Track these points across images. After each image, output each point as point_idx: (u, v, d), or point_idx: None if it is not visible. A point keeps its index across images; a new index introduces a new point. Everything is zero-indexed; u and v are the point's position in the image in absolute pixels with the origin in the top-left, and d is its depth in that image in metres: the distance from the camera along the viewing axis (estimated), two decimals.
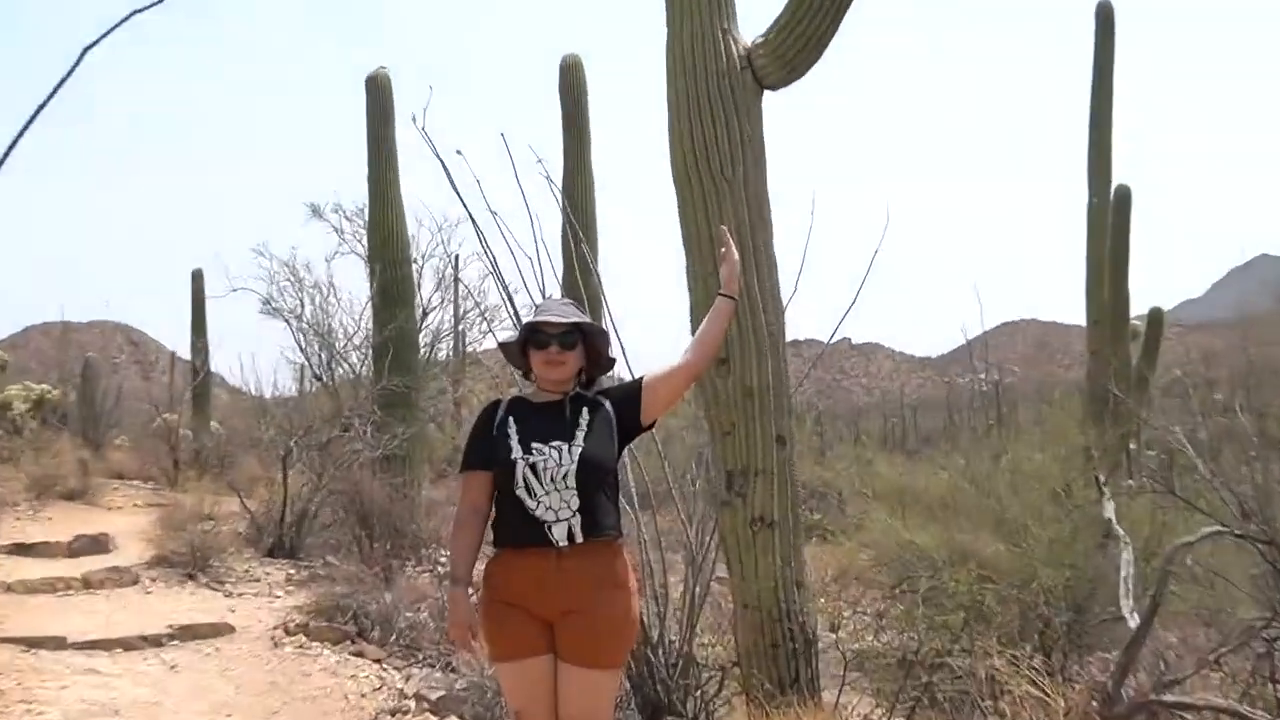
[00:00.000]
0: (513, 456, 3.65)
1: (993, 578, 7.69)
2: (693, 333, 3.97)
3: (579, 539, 3.59)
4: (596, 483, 3.64)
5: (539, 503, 3.60)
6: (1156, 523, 8.45)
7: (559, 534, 3.59)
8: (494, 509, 3.76)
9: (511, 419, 3.77)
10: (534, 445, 3.66)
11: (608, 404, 3.83)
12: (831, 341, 8.11)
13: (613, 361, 3.99)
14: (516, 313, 6.73)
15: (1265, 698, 5.45)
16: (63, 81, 3.24)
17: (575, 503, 3.59)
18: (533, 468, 3.62)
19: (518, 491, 3.62)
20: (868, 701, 7.01)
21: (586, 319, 3.86)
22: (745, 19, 6.51)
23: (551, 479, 3.60)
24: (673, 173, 6.45)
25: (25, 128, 3.23)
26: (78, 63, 3.26)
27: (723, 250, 3.94)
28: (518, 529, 3.65)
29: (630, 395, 3.85)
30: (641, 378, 3.92)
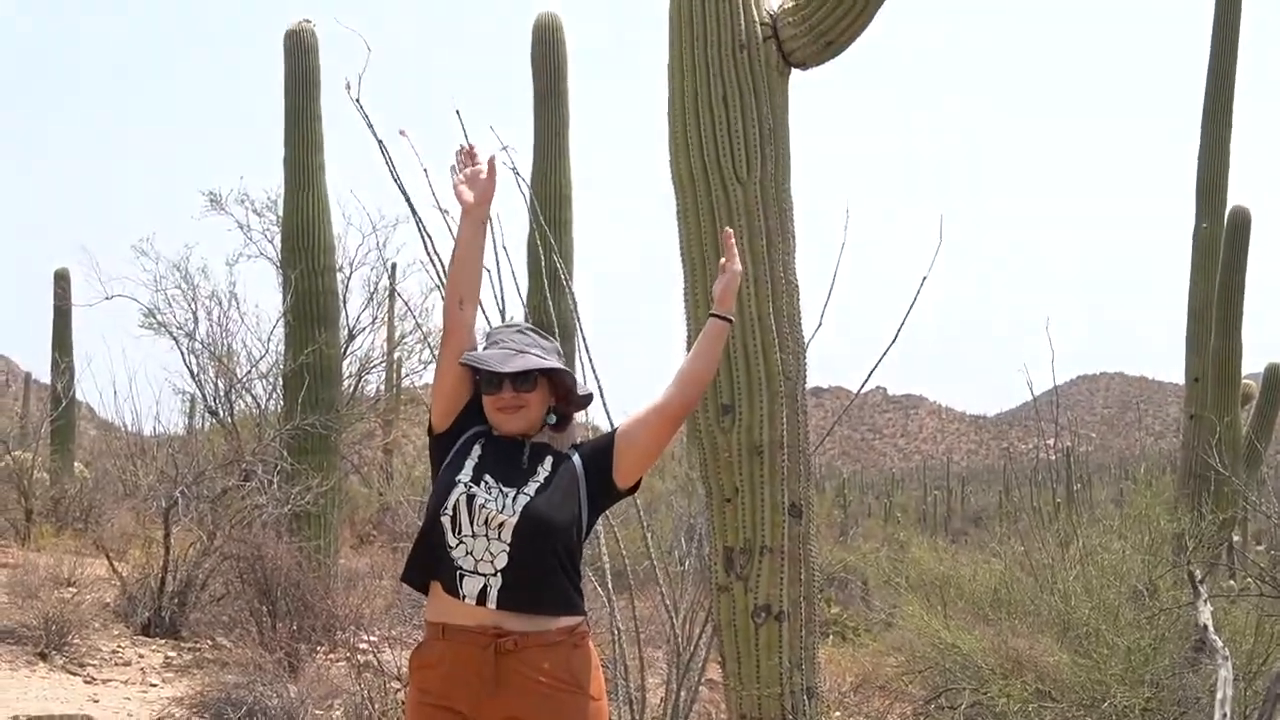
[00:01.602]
0: (458, 477, 3.70)
1: (1053, 694, 7.71)
2: None
3: (492, 605, 3.59)
4: (539, 547, 3.62)
5: (460, 542, 3.63)
6: (1264, 634, 8.46)
7: (469, 589, 3.61)
8: (419, 537, 3.78)
9: (483, 439, 3.81)
10: (486, 478, 3.69)
11: (576, 458, 3.84)
12: (862, 390, 8.14)
13: (589, 397, 3.98)
14: None
15: None
16: None
17: (502, 561, 3.60)
18: (470, 499, 3.65)
19: (442, 517, 3.65)
20: None
21: (548, 359, 3.82)
22: None
23: (485, 522, 3.62)
24: (671, 171, 6.47)
25: None
26: None
27: (723, 260, 3.96)
28: (428, 562, 3.71)
29: (602, 448, 3.86)
30: (617, 428, 3.92)
